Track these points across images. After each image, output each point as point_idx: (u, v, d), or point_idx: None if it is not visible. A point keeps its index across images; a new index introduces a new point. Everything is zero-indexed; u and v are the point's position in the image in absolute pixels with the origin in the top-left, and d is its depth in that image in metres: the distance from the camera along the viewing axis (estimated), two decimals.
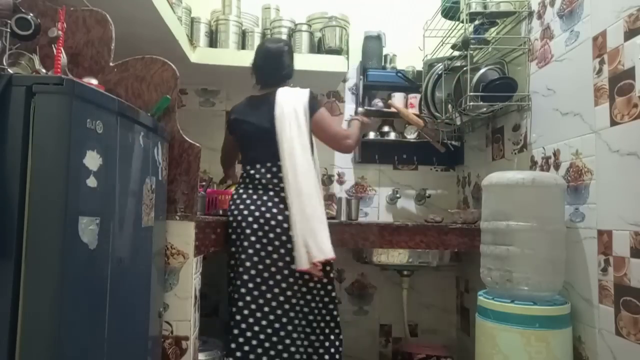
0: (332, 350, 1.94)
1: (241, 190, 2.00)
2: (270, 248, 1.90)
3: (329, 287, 1.97)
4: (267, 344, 1.85)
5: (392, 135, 2.73)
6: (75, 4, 1.41)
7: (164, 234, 1.45)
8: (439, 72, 2.31)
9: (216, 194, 2.21)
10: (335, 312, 1.98)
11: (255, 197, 1.95)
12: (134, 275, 1.21)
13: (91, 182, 0.96)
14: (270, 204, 1.93)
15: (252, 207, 1.92)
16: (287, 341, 1.87)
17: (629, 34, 1.39)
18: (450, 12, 2.22)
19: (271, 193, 1.95)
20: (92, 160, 0.97)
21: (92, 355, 1.00)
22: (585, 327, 1.56)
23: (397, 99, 2.62)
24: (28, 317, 0.88)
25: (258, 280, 1.88)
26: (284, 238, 1.89)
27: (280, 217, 1.90)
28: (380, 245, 2.10)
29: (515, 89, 1.97)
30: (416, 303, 2.72)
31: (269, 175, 1.96)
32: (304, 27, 2.53)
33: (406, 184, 2.82)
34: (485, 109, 2.13)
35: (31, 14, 1.09)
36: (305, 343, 1.92)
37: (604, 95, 1.49)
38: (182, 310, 1.47)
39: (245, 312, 1.86)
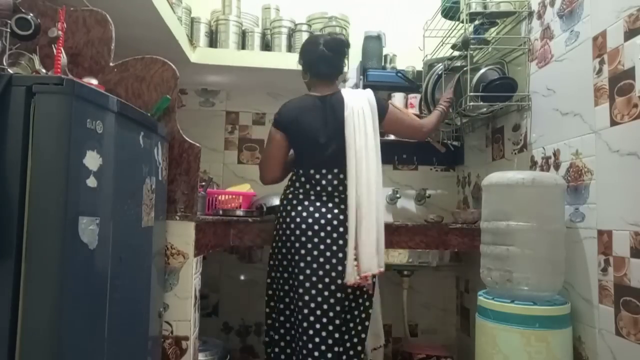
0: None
1: (302, 196, 1.86)
2: (334, 253, 1.80)
3: (368, 302, 1.90)
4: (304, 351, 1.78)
5: (392, 135, 2.72)
6: (75, 4, 1.41)
7: (164, 234, 1.45)
8: (439, 72, 2.31)
9: (216, 194, 2.21)
10: (366, 328, 1.90)
11: (318, 203, 1.84)
12: (134, 275, 1.21)
13: (91, 182, 0.96)
14: (336, 210, 1.83)
15: (317, 215, 1.81)
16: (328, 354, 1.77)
17: (629, 34, 1.39)
18: (450, 12, 2.22)
19: (337, 200, 1.84)
20: (92, 160, 0.97)
21: (92, 355, 1.00)
22: (585, 327, 1.56)
23: (397, 99, 2.62)
24: (28, 317, 0.88)
25: (317, 299, 1.78)
26: (344, 248, 1.79)
27: (341, 229, 1.81)
28: None
29: (515, 89, 1.97)
30: (416, 303, 2.72)
31: (335, 182, 1.85)
32: (304, 27, 2.52)
33: (406, 184, 2.82)
34: (485, 109, 2.13)
35: (31, 14, 1.09)
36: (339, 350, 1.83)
37: (604, 95, 1.49)
38: (182, 310, 1.47)
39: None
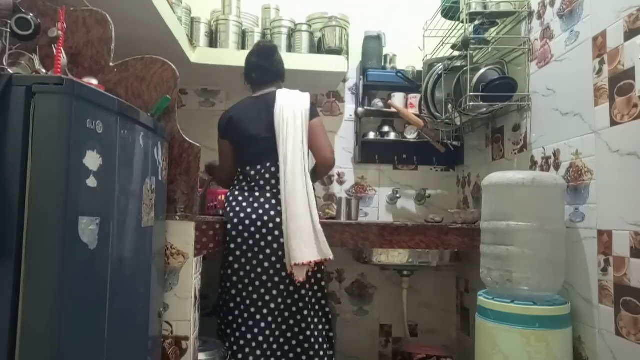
0: None
1: (237, 192, 1.98)
2: (266, 251, 1.90)
3: (319, 295, 1.97)
4: (258, 352, 1.86)
5: (392, 135, 2.73)
6: (75, 4, 1.41)
7: (164, 234, 1.45)
8: (439, 72, 2.31)
9: (216, 194, 2.21)
10: (323, 324, 1.97)
11: (251, 199, 1.94)
12: (134, 275, 1.21)
13: (91, 182, 0.96)
14: (267, 205, 1.92)
15: (249, 210, 1.92)
16: (278, 352, 1.88)
17: (629, 34, 1.39)
18: (450, 12, 2.22)
19: (268, 195, 1.94)
20: (92, 160, 0.97)
21: (92, 355, 1.00)
22: (585, 327, 1.56)
23: (397, 99, 2.62)
24: (28, 317, 0.87)
25: (249, 287, 1.90)
26: (280, 241, 1.89)
27: (277, 220, 1.90)
28: (380, 245, 2.09)
29: (515, 89, 1.97)
30: (416, 303, 2.72)
31: (267, 176, 1.96)
32: (304, 27, 2.52)
33: (406, 184, 2.82)
34: (485, 109, 2.13)
35: (31, 14, 1.08)
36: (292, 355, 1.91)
37: (604, 95, 1.49)
38: (182, 310, 1.47)
39: (238, 319, 1.90)
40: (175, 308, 1.47)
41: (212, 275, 2.66)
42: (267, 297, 1.89)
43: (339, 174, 2.82)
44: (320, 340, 1.92)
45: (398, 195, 2.79)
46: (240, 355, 1.86)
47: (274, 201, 1.93)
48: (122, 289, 1.11)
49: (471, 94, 2.00)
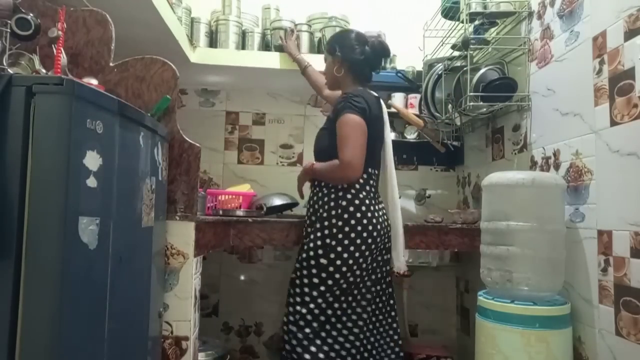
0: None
1: (367, 200, 1.82)
2: (380, 259, 1.89)
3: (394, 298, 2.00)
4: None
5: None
6: (75, 4, 1.42)
7: (164, 234, 1.45)
8: (439, 72, 2.31)
9: (216, 194, 2.21)
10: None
11: (378, 206, 1.88)
12: (133, 275, 1.21)
13: (91, 182, 0.96)
14: (379, 203, 1.90)
15: (382, 219, 1.86)
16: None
17: (629, 34, 1.39)
18: (450, 12, 2.22)
19: (376, 194, 1.91)
20: (92, 160, 0.97)
21: (92, 355, 1.00)
22: (585, 327, 1.56)
23: (397, 99, 2.62)
24: (28, 317, 0.87)
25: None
26: (388, 247, 1.90)
27: (382, 220, 1.86)
28: None
29: (515, 89, 1.97)
30: (416, 303, 2.72)
31: (379, 182, 1.93)
32: (304, 27, 2.52)
33: (406, 184, 2.82)
34: (485, 109, 2.13)
35: (31, 14, 1.08)
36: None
37: (604, 96, 1.49)
38: (182, 310, 1.47)
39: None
40: (175, 308, 1.47)
41: (212, 275, 2.66)
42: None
43: None
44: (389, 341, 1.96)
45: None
46: None
47: (381, 206, 1.90)
48: (122, 289, 1.11)
49: (471, 94, 2.00)
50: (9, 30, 1.06)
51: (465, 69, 2.04)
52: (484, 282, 1.72)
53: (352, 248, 1.76)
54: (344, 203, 1.78)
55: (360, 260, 1.77)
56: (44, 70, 1.16)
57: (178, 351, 1.46)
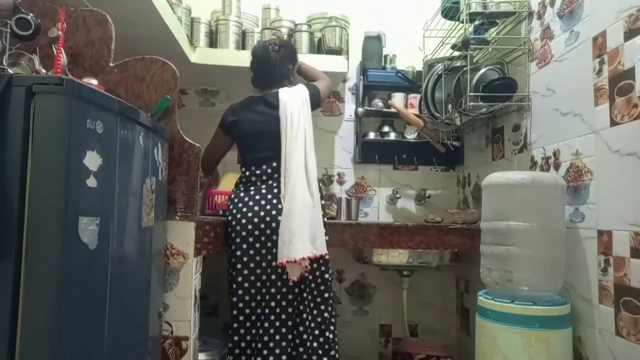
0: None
1: (242, 194, 1.96)
2: (268, 250, 1.88)
3: (322, 288, 1.94)
4: (259, 345, 1.85)
5: (392, 136, 2.73)
6: (75, 4, 1.41)
7: (164, 234, 1.45)
8: (439, 72, 2.31)
9: (216, 194, 2.21)
10: (320, 329, 1.93)
11: (257, 196, 1.92)
12: (134, 275, 1.21)
13: (91, 182, 0.96)
14: (269, 197, 1.91)
15: (256, 208, 1.90)
16: (278, 345, 1.85)
17: (629, 34, 1.39)
18: (450, 12, 2.22)
19: (275, 192, 1.92)
20: (92, 160, 0.97)
21: (92, 355, 1.00)
22: (585, 327, 1.56)
23: (397, 99, 2.62)
24: (28, 317, 0.87)
25: (255, 284, 1.88)
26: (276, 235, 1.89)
27: (274, 212, 1.88)
28: (380, 245, 2.10)
29: (515, 89, 1.97)
30: (416, 303, 2.72)
31: (275, 175, 1.95)
32: (304, 27, 2.52)
33: (406, 184, 2.82)
34: (485, 109, 2.13)
35: (31, 14, 1.08)
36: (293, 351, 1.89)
37: (604, 96, 1.49)
38: (182, 310, 1.47)
39: (241, 316, 1.89)
40: (175, 308, 1.47)
41: (212, 275, 2.66)
42: (267, 297, 1.88)
43: (338, 174, 2.82)
44: (315, 345, 1.89)
45: (398, 196, 2.79)
46: None
47: (271, 195, 1.92)
48: (122, 289, 1.11)
49: (471, 94, 2.00)
50: (9, 30, 1.06)
51: (465, 69, 2.04)
52: (484, 282, 1.72)
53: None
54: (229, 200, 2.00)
55: (236, 251, 1.90)
56: (44, 70, 1.16)
57: (178, 351, 1.46)
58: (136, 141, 1.19)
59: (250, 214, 1.89)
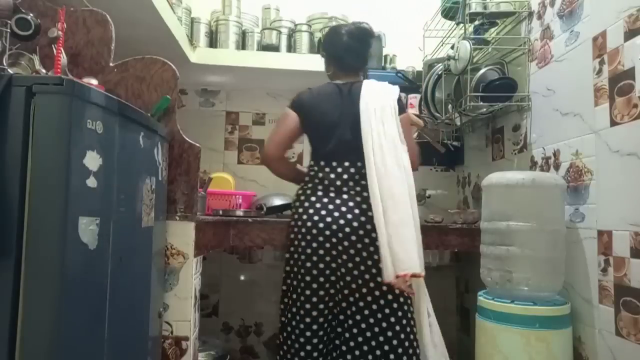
0: None
1: (309, 192, 1.73)
2: (356, 260, 1.65)
3: (409, 303, 1.72)
4: None
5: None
6: (75, 4, 1.42)
7: (164, 234, 1.45)
8: (439, 72, 2.31)
9: (216, 194, 2.21)
10: (414, 334, 1.71)
11: (326, 201, 1.69)
12: (134, 275, 1.21)
13: (91, 182, 0.96)
14: (356, 210, 1.67)
15: (326, 215, 1.67)
16: None
17: (629, 34, 1.39)
18: (450, 12, 2.22)
19: (345, 197, 1.69)
20: (92, 160, 0.97)
21: (92, 355, 1.00)
22: (585, 327, 1.56)
23: None
24: (28, 317, 0.87)
25: (324, 301, 1.68)
26: (370, 249, 1.65)
27: (355, 224, 1.65)
28: None
29: (515, 89, 1.97)
30: None
31: (345, 177, 1.71)
32: (304, 28, 2.53)
33: None
34: (485, 109, 2.13)
35: (31, 14, 1.09)
36: None
37: (604, 96, 1.49)
38: (182, 310, 1.47)
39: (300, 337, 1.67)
40: (175, 308, 1.47)
41: (212, 275, 2.66)
42: (354, 308, 1.66)
43: None
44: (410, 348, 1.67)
45: None
46: None
47: (351, 203, 1.67)
48: (122, 289, 1.11)
49: (471, 94, 2.00)
50: (9, 30, 1.06)
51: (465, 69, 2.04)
52: (484, 282, 1.72)
53: (290, 242, 1.76)
54: (294, 198, 1.80)
55: (295, 256, 1.71)
56: (44, 70, 1.16)
57: (178, 351, 1.46)
58: (136, 141, 1.19)
59: (326, 221, 1.67)
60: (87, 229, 0.95)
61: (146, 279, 1.30)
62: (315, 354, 1.68)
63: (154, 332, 1.37)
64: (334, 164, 1.73)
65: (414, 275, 1.61)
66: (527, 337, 1.51)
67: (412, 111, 2.55)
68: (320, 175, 1.74)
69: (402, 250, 1.59)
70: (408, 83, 2.60)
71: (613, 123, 1.44)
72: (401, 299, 1.68)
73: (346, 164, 1.72)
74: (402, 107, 1.81)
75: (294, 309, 1.71)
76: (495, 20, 2.15)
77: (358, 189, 1.69)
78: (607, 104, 1.47)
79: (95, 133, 0.98)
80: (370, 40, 1.86)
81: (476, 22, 2.12)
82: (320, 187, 1.73)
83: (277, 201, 2.29)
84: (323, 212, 1.68)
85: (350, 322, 1.67)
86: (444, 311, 2.78)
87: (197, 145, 1.52)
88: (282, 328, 1.76)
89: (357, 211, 1.67)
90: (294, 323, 1.70)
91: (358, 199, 1.69)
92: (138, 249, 1.23)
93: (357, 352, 1.65)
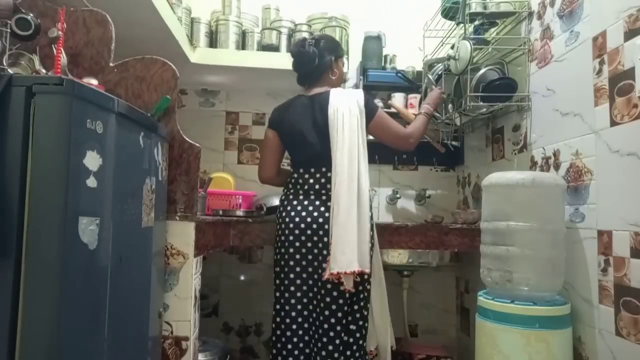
0: None
1: (292, 196, 1.93)
2: (312, 256, 1.86)
3: (359, 298, 1.87)
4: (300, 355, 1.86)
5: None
6: (75, 4, 1.42)
7: (164, 234, 1.45)
8: (439, 73, 2.31)
9: (216, 194, 2.21)
10: (360, 332, 1.88)
11: (306, 202, 1.89)
12: (133, 275, 1.21)
13: (91, 182, 0.96)
14: (321, 209, 1.86)
15: (304, 214, 1.87)
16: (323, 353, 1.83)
17: (629, 34, 1.39)
18: (450, 12, 2.22)
19: (324, 198, 1.88)
20: (92, 160, 0.97)
21: (92, 355, 1.00)
22: (585, 327, 1.56)
23: (397, 99, 2.62)
24: (28, 317, 0.88)
25: (301, 290, 1.88)
26: (323, 246, 1.85)
27: (326, 226, 1.84)
28: (380, 245, 2.09)
29: (515, 89, 1.97)
30: (416, 303, 2.72)
31: (323, 181, 1.89)
32: (304, 28, 2.52)
33: (406, 184, 2.82)
34: (485, 109, 2.13)
35: (31, 14, 1.09)
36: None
37: (604, 96, 1.49)
38: (182, 310, 1.47)
39: (284, 322, 1.89)
40: (175, 308, 1.47)
41: (212, 275, 2.66)
42: (300, 305, 1.89)
43: None
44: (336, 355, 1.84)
45: (398, 196, 2.79)
46: None
47: (323, 208, 1.87)
48: (122, 289, 1.11)
49: (471, 94, 2.00)
50: (9, 30, 1.06)
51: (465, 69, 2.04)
52: (484, 282, 1.72)
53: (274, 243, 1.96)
54: (279, 202, 2.01)
55: (279, 255, 1.92)
56: (44, 70, 1.16)
57: (178, 351, 1.46)
58: (136, 141, 1.19)
59: (304, 219, 1.87)
60: (87, 229, 0.95)
61: (146, 279, 1.30)
62: (302, 343, 1.88)
63: (154, 332, 1.37)
64: (312, 170, 1.92)
65: (346, 274, 1.76)
66: (527, 337, 1.51)
67: (413, 111, 2.56)
68: (301, 181, 1.93)
69: (338, 250, 1.76)
70: (408, 83, 2.60)
71: (613, 123, 1.44)
72: (346, 294, 1.84)
73: (319, 169, 1.91)
74: (370, 110, 1.93)
75: (282, 300, 1.90)
76: (495, 20, 2.15)
77: (324, 192, 1.89)
78: (607, 104, 1.47)
79: (95, 133, 0.98)
80: (306, 51, 1.97)
81: (476, 22, 2.11)
82: (301, 192, 1.92)
83: (277, 201, 2.29)
84: (302, 213, 1.88)
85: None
86: (444, 311, 2.79)
87: (197, 145, 1.52)
88: (272, 318, 1.95)
89: (322, 212, 1.86)
90: (282, 313, 1.90)
91: (326, 201, 1.87)
92: (138, 249, 1.23)
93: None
